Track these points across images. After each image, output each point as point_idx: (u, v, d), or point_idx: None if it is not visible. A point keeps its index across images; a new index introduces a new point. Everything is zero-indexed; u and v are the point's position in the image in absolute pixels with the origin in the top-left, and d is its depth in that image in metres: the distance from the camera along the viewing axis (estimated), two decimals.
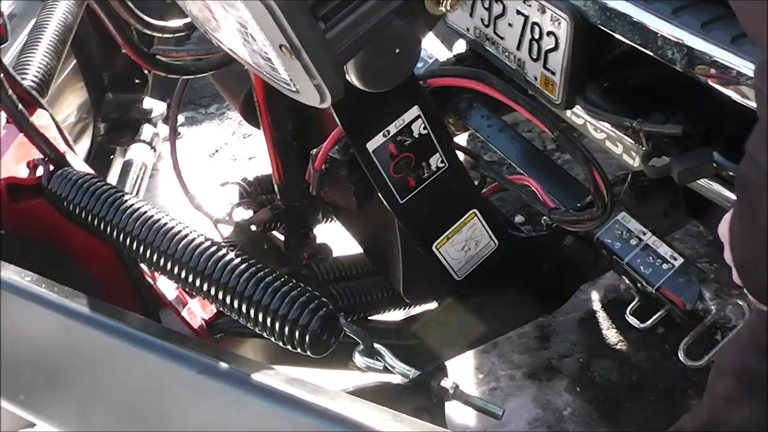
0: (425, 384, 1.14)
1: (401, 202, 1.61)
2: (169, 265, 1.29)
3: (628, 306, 2.52)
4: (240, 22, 0.80)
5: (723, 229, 1.27)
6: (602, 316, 2.58)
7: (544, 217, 2.04)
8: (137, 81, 2.54)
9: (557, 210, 1.70)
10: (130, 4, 1.71)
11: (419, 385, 1.14)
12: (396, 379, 1.27)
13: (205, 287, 1.24)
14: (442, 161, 1.62)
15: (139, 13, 1.74)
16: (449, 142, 1.62)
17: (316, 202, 1.99)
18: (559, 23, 1.80)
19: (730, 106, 1.72)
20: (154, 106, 2.55)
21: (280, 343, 1.20)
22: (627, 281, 1.98)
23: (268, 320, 1.19)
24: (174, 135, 2.05)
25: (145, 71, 2.55)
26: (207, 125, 3.57)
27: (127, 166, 2.34)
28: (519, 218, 2.91)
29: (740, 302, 1.86)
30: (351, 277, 1.99)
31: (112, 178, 2.39)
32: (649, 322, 1.91)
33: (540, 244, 1.97)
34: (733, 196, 1.86)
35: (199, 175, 2.76)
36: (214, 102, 3.67)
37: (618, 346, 2.49)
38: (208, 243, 1.28)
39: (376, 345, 1.17)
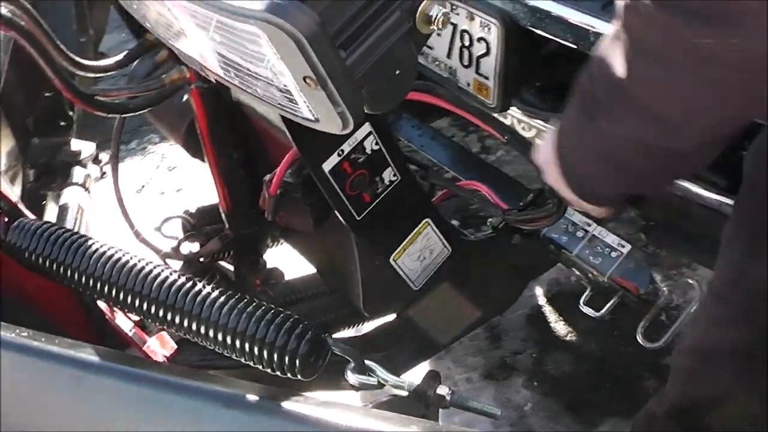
0: (422, 393, 1.16)
1: (358, 218, 1.62)
2: (145, 306, 1.27)
3: (572, 297, 2.58)
4: (254, 57, 0.80)
5: (541, 155, 1.32)
6: (548, 310, 2.63)
7: (490, 219, 2.07)
8: (62, 123, 2.50)
9: (511, 211, 1.73)
10: (61, 46, 1.69)
11: (417, 395, 1.15)
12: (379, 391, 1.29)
13: (186, 323, 1.24)
14: (394, 174, 1.64)
15: (71, 54, 1.72)
16: (400, 155, 1.64)
17: (264, 228, 1.99)
18: (489, 29, 1.83)
19: None
20: (83, 147, 2.50)
21: (269, 371, 1.21)
22: (577, 273, 2.02)
23: (255, 349, 1.19)
24: (116, 173, 2.03)
25: (70, 113, 2.51)
26: (130, 161, 3.53)
27: (63, 211, 2.30)
28: (454, 222, 2.94)
29: (691, 281, 1.92)
30: (306, 299, 2.00)
31: None
32: (603, 310, 1.95)
33: (490, 245, 2.00)
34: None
35: (129, 212, 2.72)
36: (134, 138, 3.63)
37: (568, 338, 2.54)
38: (184, 280, 1.27)
39: (366, 361, 1.18)
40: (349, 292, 1.88)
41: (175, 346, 1.81)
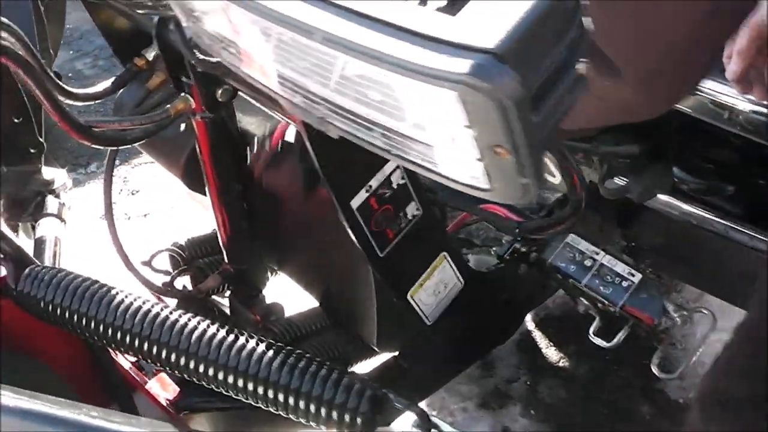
0: None
1: (381, 255, 1.56)
2: (183, 361, 1.20)
3: (561, 322, 2.55)
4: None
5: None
6: (538, 336, 2.59)
7: (494, 249, 2.03)
8: (32, 151, 2.37)
9: (523, 223, 1.69)
10: (51, 74, 1.60)
11: None
12: None
13: (232, 380, 1.16)
14: (417, 209, 1.58)
15: (63, 85, 1.63)
16: (422, 188, 1.58)
17: (264, 262, 1.92)
18: None
19: (675, 119, 1.75)
20: (56, 175, 2.38)
21: (324, 428, 1.14)
22: (585, 302, 1.98)
23: (312, 407, 1.12)
24: (110, 208, 1.95)
25: (40, 139, 2.39)
26: (91, 185, 3.39)
27: (40, 243, 2.18)
28: None
29: (705, 311, 1.88)
30: (311, 334, 1.92)
31: None
32: (614, 341, 1.91)
33: (498, 276, 1.96)
34: (686, 207, 1.89)
35: (95, 238, 2.63)
36: (93, 161, 3.49)
37: (560, 364, 2.50)
38: (224, 333, 1.19)
39: (432, 417, 1.12)
40: (360, 327, 1.81)
41: (178, 389, 1.73)
